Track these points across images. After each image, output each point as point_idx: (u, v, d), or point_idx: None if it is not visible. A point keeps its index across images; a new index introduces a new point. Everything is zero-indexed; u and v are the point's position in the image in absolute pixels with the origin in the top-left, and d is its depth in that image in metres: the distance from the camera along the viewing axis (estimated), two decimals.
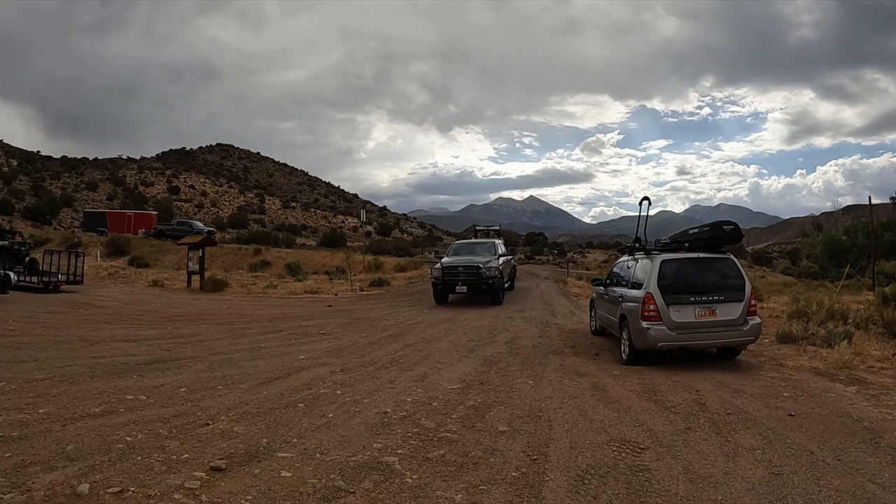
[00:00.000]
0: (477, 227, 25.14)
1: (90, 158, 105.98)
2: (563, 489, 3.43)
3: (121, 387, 5.46)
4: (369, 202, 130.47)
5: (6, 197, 60.26)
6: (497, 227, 24.32)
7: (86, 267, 19.63)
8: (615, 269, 9.65)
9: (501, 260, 16.21)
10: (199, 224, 44.38)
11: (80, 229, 44.09)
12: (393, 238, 71.20)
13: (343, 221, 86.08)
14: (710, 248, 7.88)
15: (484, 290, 15.07)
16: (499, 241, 20.46)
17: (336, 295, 18.75)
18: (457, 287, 14.95)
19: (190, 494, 3.12)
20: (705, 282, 7.47)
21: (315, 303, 16.61)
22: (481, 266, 14.87)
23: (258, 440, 4.03)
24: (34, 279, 16.53)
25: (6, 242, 17.23)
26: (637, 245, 8.67)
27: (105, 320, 11.01)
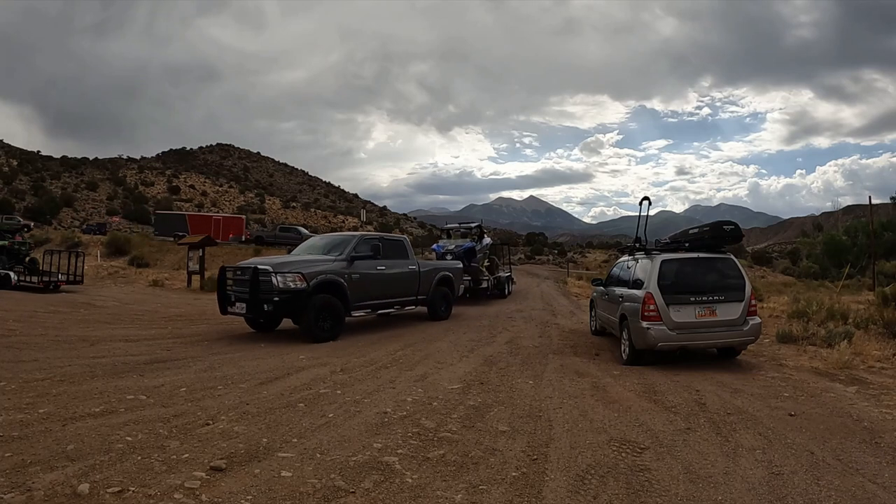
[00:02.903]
0: (448, 226, 20.08)
1: (90, 158, 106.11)
2: (563, 489, 3.43)
3: (121, 386, 5.46)
4: (369, 202, 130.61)
5: (6, 197, 60.26)
6: (477, 224, 19.05)
7: (86, 267, 19.63)
8: (615, 269, 9.66)
9: (374, 267, 10.02)
10: (305, 229, 39.88)
11: (154, 234, 40.36)
12: None
13: (343, 221, 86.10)
14: (710, 248, 7.89)
15: (269, 313, 8.55)
16: (447, 242, 17.44)
17: None
18: (235, 304, 9.00)
19: (190, 494, 3.12)
20: (705, 282, 7.47)
21: None
22: (272, 270, 8.52)
23: (258, 440, 4.03)
24: (34, 279, 16.53)
25: (6, 242, 17.24)
26: (637, 245, 8.67)
27: (105, 320, 11.01)
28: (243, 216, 49.75)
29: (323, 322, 8.83)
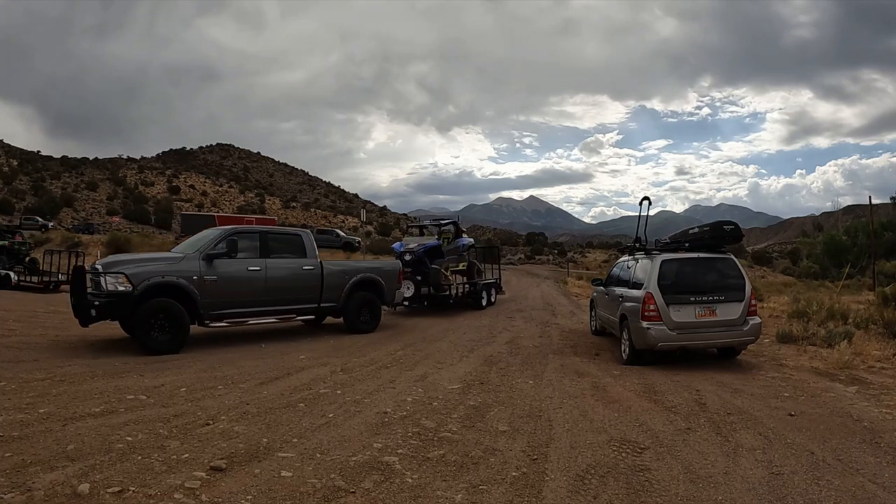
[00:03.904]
0: (410, 226, 18.49)
1: (90, 158, 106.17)
2: (563, 489, 3.43)
3: (121, 386, 5.46)
4: (369, 202, 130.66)
5: (6, 197, 60.27)
6: (452, 220, 16.10)
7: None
8: (615, 269, 9.66)
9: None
10: (341, 232, 38.95)
11: (181, 236, 38.51)
12: (393, 238, 71.23)
13: (343, 221, 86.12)
14: (710, 248, 7.89)
15: (96, 319, 7.42)
16: (410, 240, 14.80)
17: None
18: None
19: (190, 494, 3.12)
20: (705, 282, 7.47)
21: None
22: (102, 270, 7.53)
23: (258, 440, 4.03)
24: (34, 279, 16.53)
25: (6, 242, 17.25)
26: (637, 245, 8.67)
27: None
28: (275, 218, 48.96)
29: (157, 331, 7.41)
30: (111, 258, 8.51)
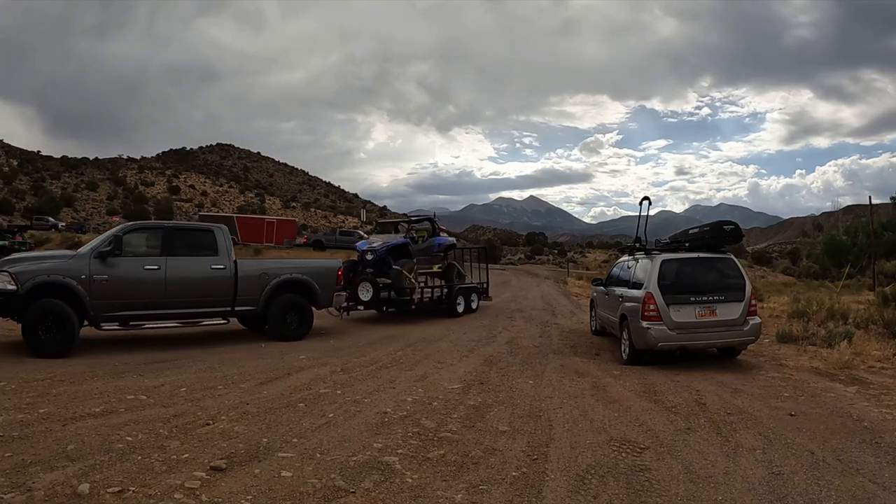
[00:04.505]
0: (379, 222, 16.94)
1: (90, 158, 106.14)
2: (563, 489, 3.43)
3: (121, 386, 5.47)
4: (369, 202, 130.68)
5: (6, 197, 60.29)
6: (429, 217, 14.68)
7: None
8: (615, 269, 9.66)
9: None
10: (364, 233, 37.81)
11: None
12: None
13: (343, 221, 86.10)
14: (710, 248, 7.89)
15: None
16: (375, 239, 13.35)
17: None
18: None
19: (190, 494, 3.13)
20: (705, 282, 7.47)
21: None
22: None
23: (258, 440, 4.04)
24: None
25: (6, 242, 17.26)
26: (637, 245, 8.67)
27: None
28: (295, 219, 48.42)
29: (45, 333, 6.99)
30: (13, 256, 8.15)
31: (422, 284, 12.58)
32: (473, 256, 16.54)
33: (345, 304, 10.88)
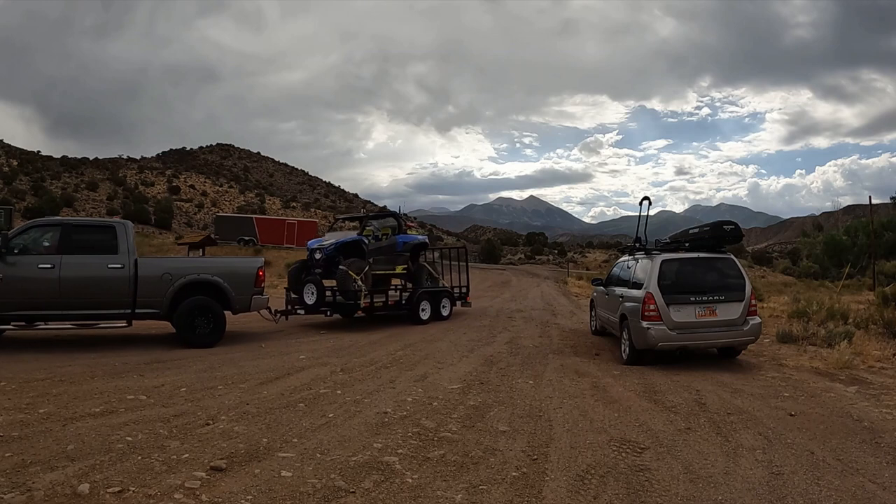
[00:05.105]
0: (338, 218, 15.50)
1: (90, 158, 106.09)
2: (563, 489, 3.43)
3: (121, 386, 5.47)
4: (369, 202, 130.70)
5: (6, 197, 60.29)
6: (394, 213, 13.60)
7: None
8: (615, 269, 9.66)
9: None
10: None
11: (214, 238, 35.96)
12: None
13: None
14: (710, 248, 7.89)
15: None
16: (332, 235, 12.17)
17: None
18: None
19: (190, 494, 3.13)
20: (705, 282, 7.47)
21: None
22: None
23: (258, 440, 4.04)
24: None
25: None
26: (637, 245, 8.67)
27: None
28: (316, 220, 47.99)
29: None
30: None
31: (366, 288, 10.74)
32: (456, 257, 14.70)
33: (287, 307, 10.43)
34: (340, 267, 10.57)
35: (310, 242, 12.00)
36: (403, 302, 11.77)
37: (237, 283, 8.54)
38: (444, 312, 12.36)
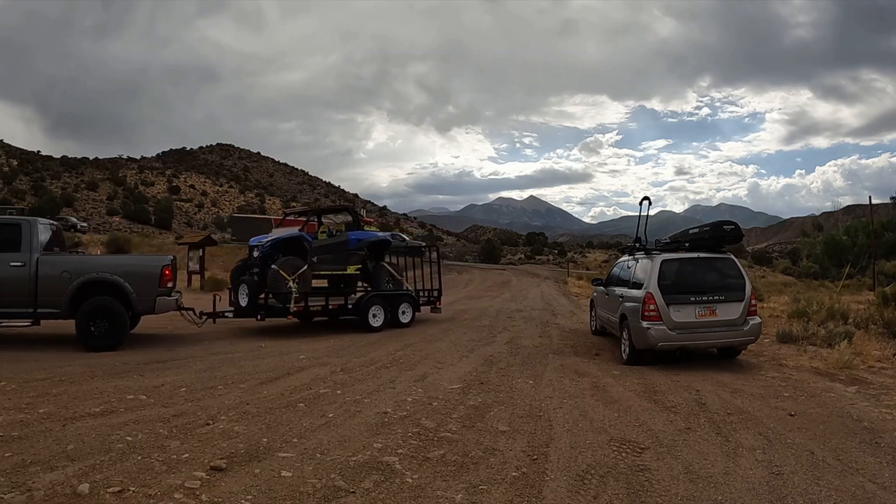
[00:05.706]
0: (287, 213, 14.61)
1: (90, 158, 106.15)
2: (563, 489, 3.43)
3: (121, 386, 5.47)
4: (369, 202, 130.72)
5: (6, 197, 60.28)
6: (349, 207, 12.48)
7: None
8: (615, 269, 9.66)
9: None
10: (405, 235, 39.22)
11: (231, 239, 34.58)
12: None
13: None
14: (710, 248, 7.89)
15: None
16: (277, 231, 11.24)
17: None
18: None
19: (190, 494, 3.13)
20: (705, 282, 7.47)
21: None
22: None
23: (258, 440, 4.04)
24: None
25: None
26: (637, 245, 8.67)
27: None
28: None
29: None
30: None
31: (297, 289, 9.70)
32: (427, 257, 13.46)
33: (214, 310, 9.83)
34: (272, 266, 9.63)
35: (252, 240, 11.23)
36: (350, 306, 10.51)
37: (139, 283, 8.01)
38: (404, 319, 10.96)
